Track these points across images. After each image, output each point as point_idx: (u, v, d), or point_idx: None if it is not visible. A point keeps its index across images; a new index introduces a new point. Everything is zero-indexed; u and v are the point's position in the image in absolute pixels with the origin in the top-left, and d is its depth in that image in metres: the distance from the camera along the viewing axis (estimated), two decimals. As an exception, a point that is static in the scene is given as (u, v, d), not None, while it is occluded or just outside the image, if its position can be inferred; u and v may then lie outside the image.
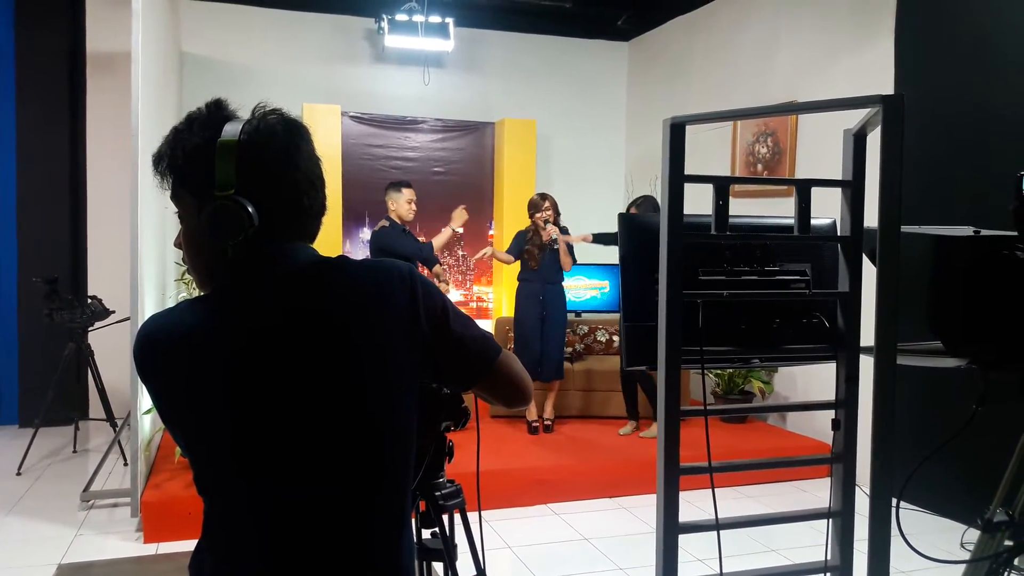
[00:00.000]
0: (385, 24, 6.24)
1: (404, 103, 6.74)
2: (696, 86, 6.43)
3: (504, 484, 4.28)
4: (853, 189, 1.88)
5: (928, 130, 4.37)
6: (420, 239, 5.20)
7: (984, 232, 1.97)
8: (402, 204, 5.03)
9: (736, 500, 4.14)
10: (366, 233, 6.52)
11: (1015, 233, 1.89)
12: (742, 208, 5.75)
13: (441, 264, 5.27)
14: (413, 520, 1.61)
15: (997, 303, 1.89)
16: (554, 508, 4.34)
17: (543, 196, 5.23)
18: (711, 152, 6.02)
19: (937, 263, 1.97)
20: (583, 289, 6.09)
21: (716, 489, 1.82)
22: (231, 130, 1.13)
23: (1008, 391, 1.92)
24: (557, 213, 5.19)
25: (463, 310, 1.30)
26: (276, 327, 1.13)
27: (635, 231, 1.95)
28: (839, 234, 1.94)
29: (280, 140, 1.17)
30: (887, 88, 4.62)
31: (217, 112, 1.18)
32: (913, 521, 3.58)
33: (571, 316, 5.95)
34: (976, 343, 1.94)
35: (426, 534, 1.67)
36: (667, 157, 1.80)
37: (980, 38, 4.12)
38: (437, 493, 1.57)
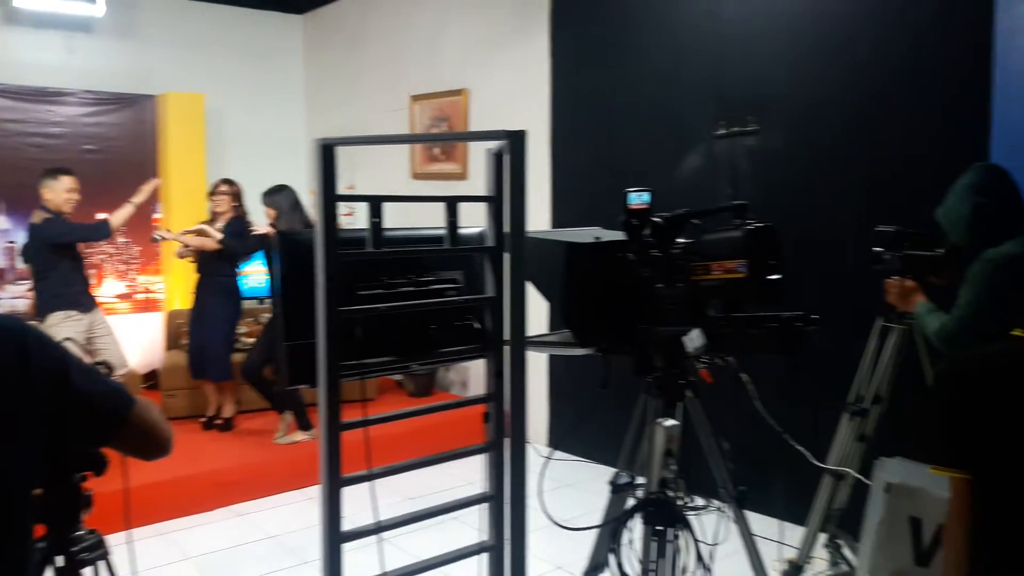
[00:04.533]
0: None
1: (45, 72, 5.92)
2: (374, 64, 6.47)
3: (180, 491, 4.06)
4: (496, 204, 2.05)
5: (584, 122, 4.87)
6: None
7: (604, 238, 2.28)
8: (60, 194, 4.48)
9: (411, 476, 4.32)
10: (2, 221, 5.69)
11: (627, 238, 2.21)
12: (424, 188, 5.95)
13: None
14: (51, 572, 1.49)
15: (613, 298, 2.21)
16: (238, 509, 4.20)
17: (225, 182, 4.98)
18: (391, 133, 6.11)
19: (568, 265, 2.24)
20: (262, 275, 5.85)
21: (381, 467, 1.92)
22: None
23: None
24: (237, 200, 4.97)
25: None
26: None
27: (292, 250, 1.94)
28: (485, 244, 2.10)
29: None
30: (545, 80, 5.03)
31: None
32: (572, 470, 4.06)
33: (254, 304, 5.75)
34: (598, 333, 2.25)
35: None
36: (320, 178, 1.82)
37: (622, 37, 4.64)
38: (74, 548, 1.46)
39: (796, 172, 3.86)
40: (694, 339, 2.03)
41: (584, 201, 4.79)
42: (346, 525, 1.86)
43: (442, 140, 5.64)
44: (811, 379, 3.49)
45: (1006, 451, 1.37)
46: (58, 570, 1.45)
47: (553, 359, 5.06)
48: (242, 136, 6.83)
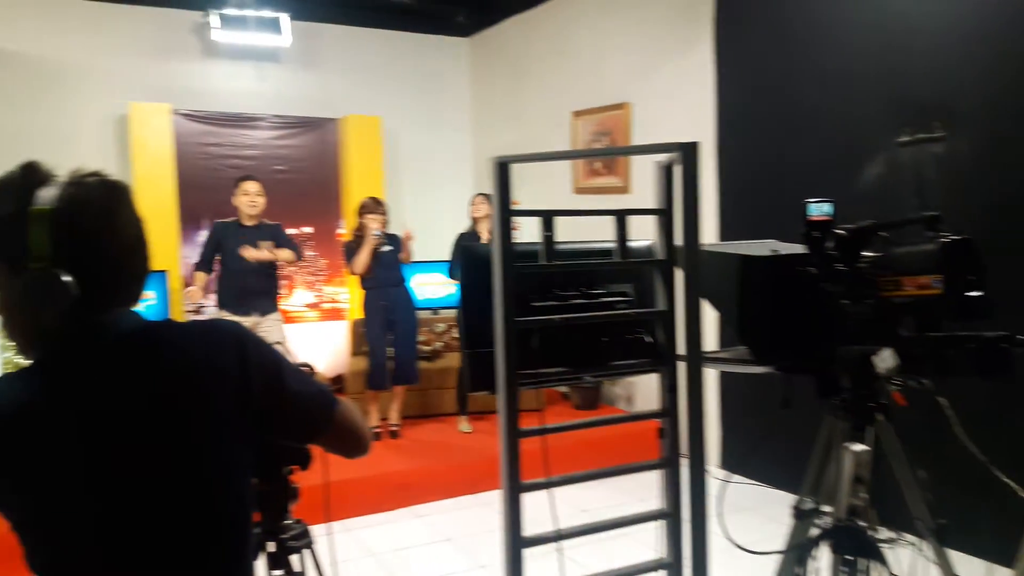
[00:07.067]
0: (214, 19, 5.99)
1: (240, 99, 6.50)
2: (537, 83, 6.60)
3: (365, 490, 4.31)
4: (666, 217, 2.05)
5: (752, 132, 4.73)
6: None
7: (781, 251, 2.21)
8: (239, 198, 4.98)
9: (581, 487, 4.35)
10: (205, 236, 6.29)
11: (807, 251, 2.13)
12: (586, 202, 5.99)
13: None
14: (263, 556, 1.64)
15: (793, 314, 2.13)
16: (417, 510, 4.40)
17: (376, 201, 5.27)
18: (554, 149, 6.20)
19: (742, 279, 2.18)
20: (438, 286, 6.13)
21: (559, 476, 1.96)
22: (45, 197, 1.10)
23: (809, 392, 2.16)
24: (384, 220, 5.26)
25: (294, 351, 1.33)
26: (108, 401, 1.12)
27: (472, 261, 2.03)
28: (655, 257, 2.10)
29: (97, 205, 1.15)
30: (709, 90, 4.94)
31: (30, 176, 1.15)
32: (747, 494, 3.94)
33: (427, 314, 6.02)
34: (778, 351, 2.17)
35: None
36: (496, 193, 1.89)
37: (793, 43, 4.47)
38: (284, 536, 1.59)
39: (990, 182, 3.55)
40: (886, 359, 1.92)
41: (753, 214, 4.65)
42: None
43: (612, 155, 5.66)
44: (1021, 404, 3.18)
45: None
46: (270, 555, 1.59)
47: (724, 377, 4.92)
48: (415, 155, 7.17)
